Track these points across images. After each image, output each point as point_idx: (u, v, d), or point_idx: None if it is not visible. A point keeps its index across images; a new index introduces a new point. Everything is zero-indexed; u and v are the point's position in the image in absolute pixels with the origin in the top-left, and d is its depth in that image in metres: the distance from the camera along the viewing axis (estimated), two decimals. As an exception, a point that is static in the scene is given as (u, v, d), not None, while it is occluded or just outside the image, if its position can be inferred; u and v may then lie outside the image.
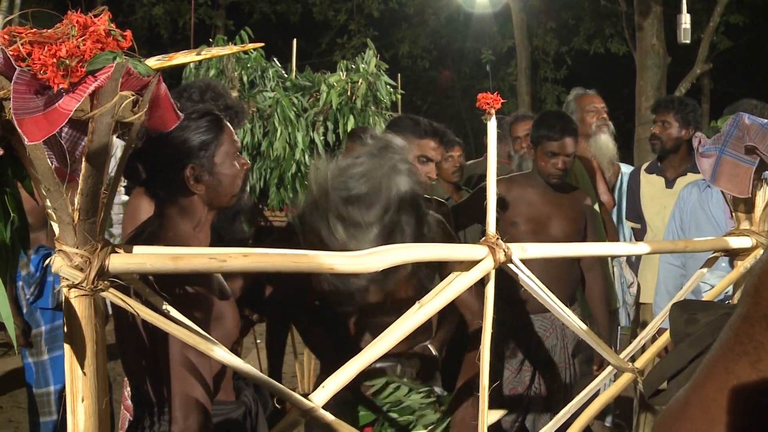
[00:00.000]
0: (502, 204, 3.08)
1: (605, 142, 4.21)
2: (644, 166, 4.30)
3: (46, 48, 0.98)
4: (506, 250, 1.56)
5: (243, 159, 1.82)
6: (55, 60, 0.97)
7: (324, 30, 15.21)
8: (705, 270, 2.07)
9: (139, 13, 13.56)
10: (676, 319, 1.29)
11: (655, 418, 0.78)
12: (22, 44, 0.98)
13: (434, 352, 2.43)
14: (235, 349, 1.97)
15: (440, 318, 2.42)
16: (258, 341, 5.09)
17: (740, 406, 0.67)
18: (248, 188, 1.85)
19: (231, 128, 1.80)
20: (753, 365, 0.66)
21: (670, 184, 4.02)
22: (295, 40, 4.74)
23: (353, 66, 4.26)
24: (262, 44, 1.24)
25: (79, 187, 1.09)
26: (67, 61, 0.98)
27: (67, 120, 1.00)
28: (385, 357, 2.18)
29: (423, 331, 2.34)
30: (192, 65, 4.30)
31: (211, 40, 4.78)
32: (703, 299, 2.08)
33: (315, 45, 14.80)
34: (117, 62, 1.03)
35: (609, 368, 1.81)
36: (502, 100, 1.57)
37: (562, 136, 3.02)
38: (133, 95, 1.10)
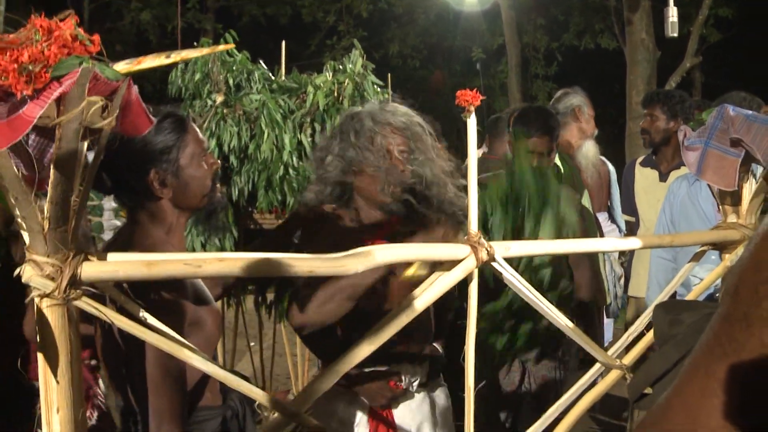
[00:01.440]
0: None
1: (594, 147, 4.21)
2: (639, 159, 4.31)
3: (7, 53, 0.96)
4: (489, 249, 1.55)
5: (212, 158, 1.78)
6: (16, 66, 0.95)
7: (313, 32, 15.17)
8: (693, 264, 2.06)
9: (127, 19, 13.49)
10: (660, 321, 1.26)
11: (637, 424, 0.75)
12: (-18, 50, 0.96)
13: (441, 351, 2.42)
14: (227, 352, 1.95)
15: (436, 318, 2.41)
16: (252, 344, 5.07)
17: (722, 408, 0.65)
18: (219, 186, 1.82)
19: (196, 128, 1.77)
20: (734, 367, 0.64)
21: (663, 177, 4.02)
22: (284, 42, 4.71)
23: (340, 67, 4.23)
24: (232, 45, 1.22)
25: (48, 195, 1.07)
26: (30, 67, 0.96)
27: (32, 127, 0.98)
28: (396, 360, 2.19)
29: (426, 334, 2.33)
30: (179, 69, 4.28)
31: (196, 44, 4.75)
32: (690, 293, 2.07)
33: (305, 47, 14.76)
34: (83, 67, 1.01)
35: (597, 365, 1.80)
36: (481, 97, 1.55)
37: (536, 134, 2.97)
38: (102, 101, 1.08)
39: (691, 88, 14.78)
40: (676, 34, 8.52)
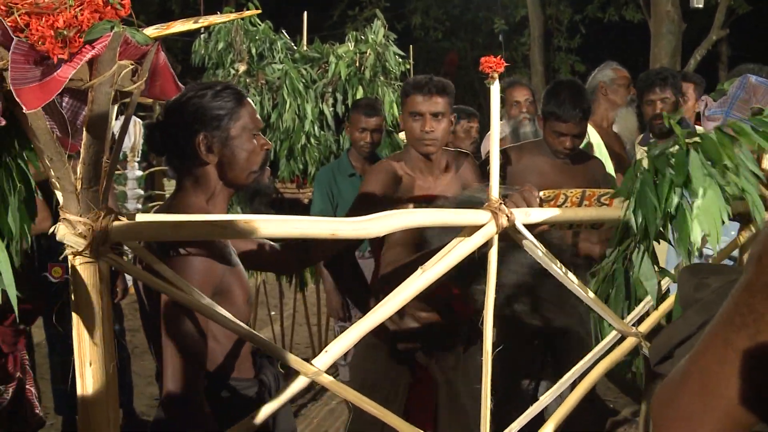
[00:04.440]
0: (507, 173, 3.04)
1: (629, 114, 4.13)
2: (638, 139, 4.25)
3: (43, 19, 0.99)
4: (509, 215, 1.57)
5: (264, 139, 1.81)
6: (53, 31, 0.98)
7: (336, 2, 15.08)
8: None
9: (151, -11, 13.50)
10: (685, 284, 1.25)
11: (656, 389, 0.76)
12: (19, 15, 1.00)
13: None
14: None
15: None
16: (272, 313, 5.14)
17: (739, 379, 0.65)
18: (268, 170, 1.86)
19: (252, 105, 1.81)
20: (752, 338, 0.63)
21: None
22: (305, 13, 4.72)
23: (362, 37, 4.25)
24: (258, 11, 1.25)
25: (81, 156, 1.11)
26: (65, 32, 0.99)
27: (65, 89, 1.02)
28: None
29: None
30: (202, 39, 4.31)
31: (219, 13, 4.78)
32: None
33: (327, 17, 14.68)
34: (114, 31, 1.05)
35: (613, 333, 1.82)
36: (505, 64, 1.56)
37: (571, 118, 2.93)
38: (132, 64, 1.12)
39: (717, 62, 14.52)
40: (701, 6, 8.35)
